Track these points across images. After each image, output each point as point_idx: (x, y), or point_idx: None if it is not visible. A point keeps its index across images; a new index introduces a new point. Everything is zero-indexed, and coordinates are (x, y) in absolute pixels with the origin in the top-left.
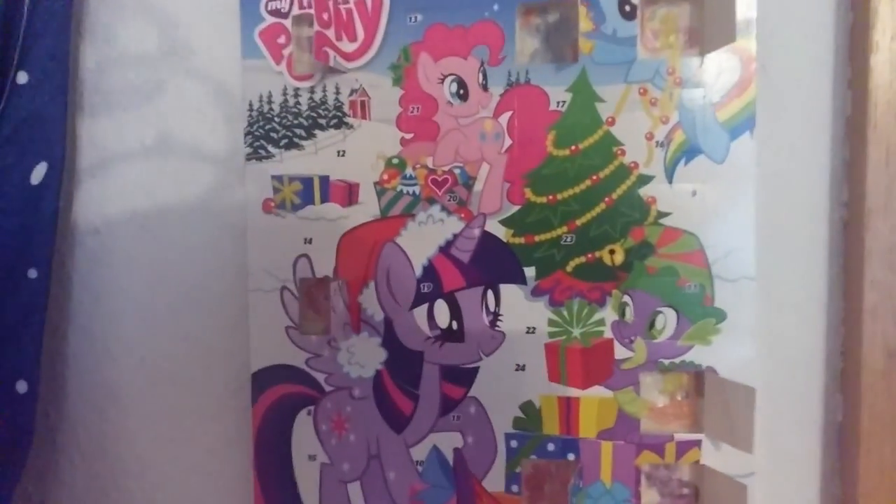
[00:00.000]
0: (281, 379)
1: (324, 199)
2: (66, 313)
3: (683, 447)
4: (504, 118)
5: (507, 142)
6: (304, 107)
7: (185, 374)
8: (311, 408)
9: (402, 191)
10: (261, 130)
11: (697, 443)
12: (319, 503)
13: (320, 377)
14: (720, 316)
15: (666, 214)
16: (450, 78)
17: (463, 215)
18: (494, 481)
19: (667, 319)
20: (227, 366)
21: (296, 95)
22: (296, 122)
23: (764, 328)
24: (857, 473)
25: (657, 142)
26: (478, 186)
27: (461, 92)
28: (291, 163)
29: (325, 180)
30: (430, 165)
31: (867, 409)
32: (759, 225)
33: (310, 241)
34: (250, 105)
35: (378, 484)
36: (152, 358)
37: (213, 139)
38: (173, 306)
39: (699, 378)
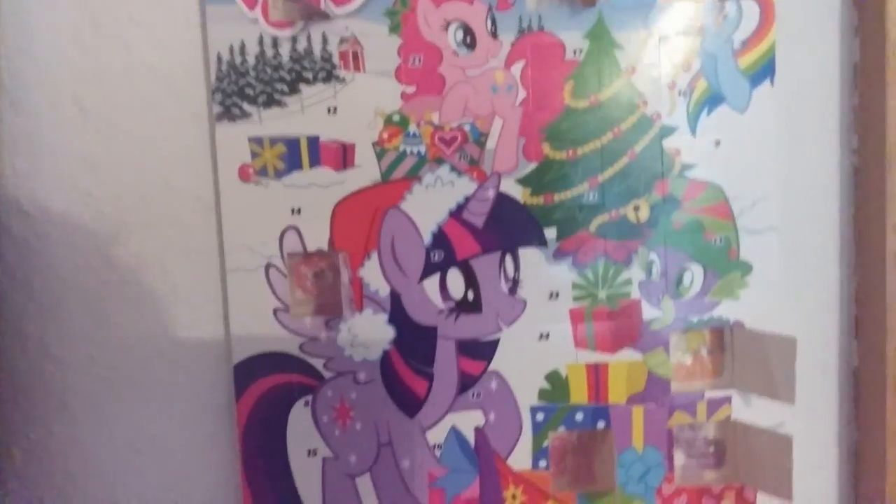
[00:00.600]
0: (270, 369)
1: (313, 163)
2: None
3: (714, 404)
4: (517, 68)
5: (521, 94)
6: (285, 58)
7: (146, 373)
8: (309, 398)
9: (405, 151)
10: (233, 86)
11: (728, 399)
12: (323, 503)
13: (318, 363)
14: (746, 269)
15: (690, 166)
16: (454, 24)
17: (475, 175)
18: (520, 458)
19: (694, 275)
20: (201, 359)
21: (275, 46)
22: (276, 76)
23: (782, 278)
24: (884, 414)
25: (679, 91)
26: (490, 143)
27: (468, 40)
28: (272, 123)
29: (314, 141)
30: (437, 122)
31: (892, 351)
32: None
33: (298, 212)
34: (219, 57)
35: (391, 474)
36: (104, 357)
37: (170, 98)
38: (127, 296)
39: (719, 332)
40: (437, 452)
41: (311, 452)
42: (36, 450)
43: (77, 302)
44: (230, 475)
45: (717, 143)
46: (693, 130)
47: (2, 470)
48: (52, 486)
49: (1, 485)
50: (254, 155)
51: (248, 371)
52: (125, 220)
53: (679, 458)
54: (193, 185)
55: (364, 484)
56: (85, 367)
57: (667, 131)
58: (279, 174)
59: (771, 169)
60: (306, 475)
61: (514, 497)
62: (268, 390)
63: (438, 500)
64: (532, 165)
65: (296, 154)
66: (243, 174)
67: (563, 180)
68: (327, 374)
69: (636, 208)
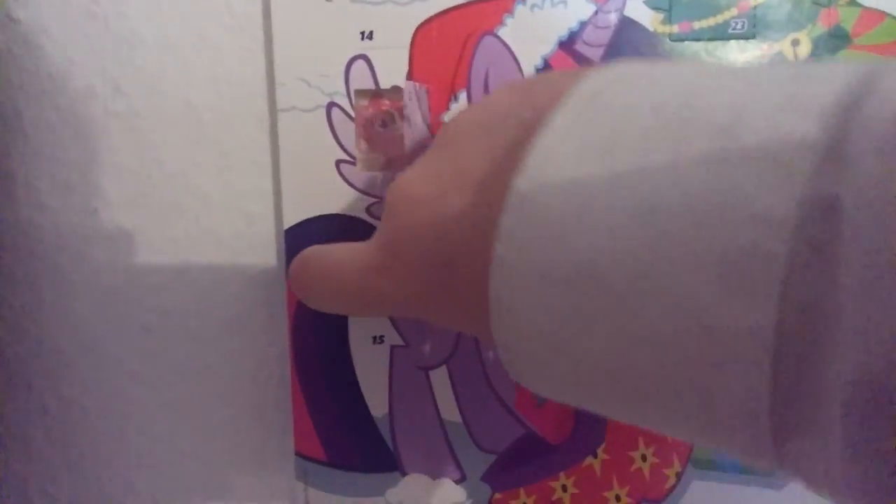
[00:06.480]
0: (330, 235)
1: None
2: None
3: None
4: None
5: None
6: None
7: (162, 230)
8: None
9: None
10: None
11: None
12: (389, 399)
13: None
14: None
15: None
16: None
17: None
18: None
19: None
20: (241, 219)
21: None
22: None
23: None
24: None
25: None
26: None
27: None
28: None
29: None
30: None
31: None
32: None
33: (370, 36)
34: None
35: (472, 368)
36: (108, 209)
37: None
38: (140, 133)
39: None
40: None
41: (377, 339)
42: (22, 322)
43: (75, 138)
44: (277, 362)
45: None
46: None
47: None
48: (44, 369)
49: None
50: None
51: (303, 237)
52: (139, 35)
53: None
54: None
55: (439, 379)
56: (84, 219)
57: None
58: None
59: None
60: (370, 366)
61: None
62: None
63: (528, 400)
64: None
65: None
66: None
67: (706, 3)
68: None
69: (795, 42)
